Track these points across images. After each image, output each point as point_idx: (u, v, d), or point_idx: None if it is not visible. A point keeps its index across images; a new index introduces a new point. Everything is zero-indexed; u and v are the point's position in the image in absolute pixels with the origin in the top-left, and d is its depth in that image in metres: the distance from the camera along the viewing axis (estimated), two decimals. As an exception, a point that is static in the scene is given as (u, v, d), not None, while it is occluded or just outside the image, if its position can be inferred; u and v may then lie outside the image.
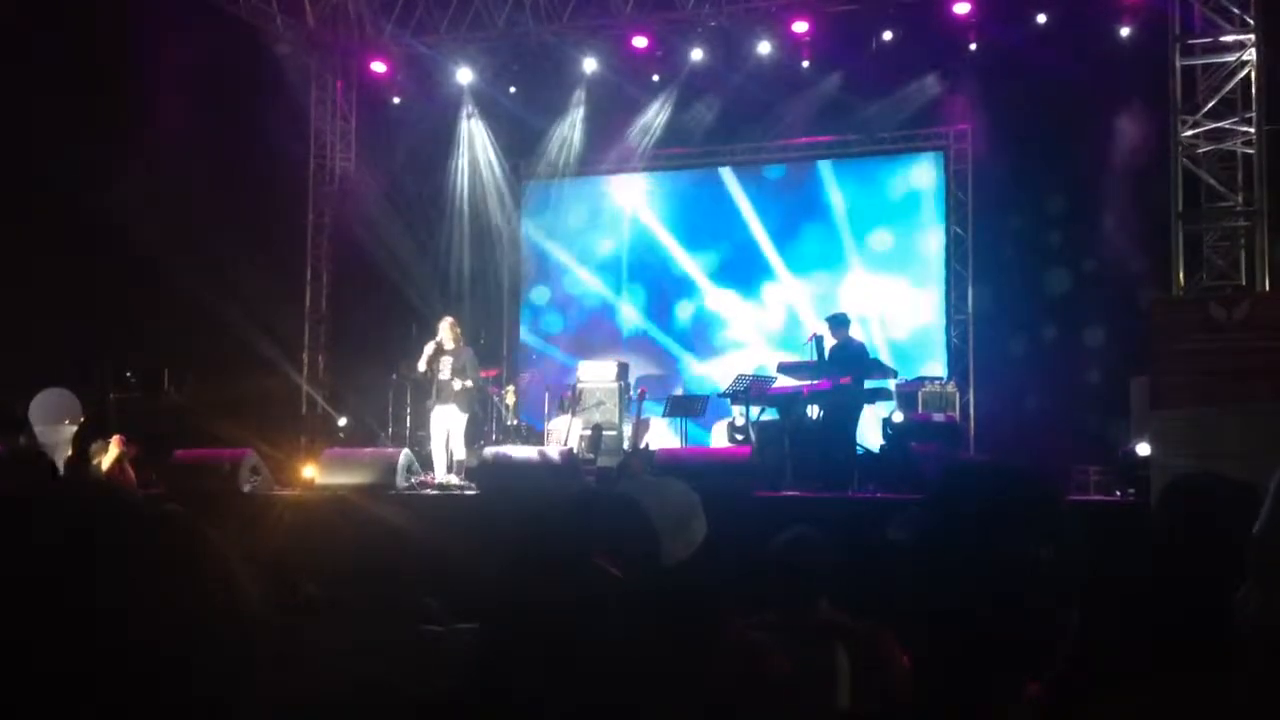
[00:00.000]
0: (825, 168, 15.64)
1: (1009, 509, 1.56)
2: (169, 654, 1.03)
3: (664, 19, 14.64)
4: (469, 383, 11.94)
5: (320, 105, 16.52)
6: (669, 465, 10.52)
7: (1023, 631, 1.53)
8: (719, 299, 15.90)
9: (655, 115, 15.62)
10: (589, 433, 13.05)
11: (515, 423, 13.41)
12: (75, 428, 13.02)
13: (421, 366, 11.99)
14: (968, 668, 1.55)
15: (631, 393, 13.86)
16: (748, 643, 2.68)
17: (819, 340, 11.67)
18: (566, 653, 1.66)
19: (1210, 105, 12.10)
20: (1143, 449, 9.97)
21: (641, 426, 13.54)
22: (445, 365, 11.93)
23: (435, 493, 11.32)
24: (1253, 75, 11.95)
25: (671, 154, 15.97)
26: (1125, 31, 13.36)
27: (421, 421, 12.58)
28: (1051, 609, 1.54)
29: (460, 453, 11.97)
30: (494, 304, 16.71)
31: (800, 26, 14.25)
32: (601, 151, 16.16)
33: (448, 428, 11.92)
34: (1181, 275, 12.07)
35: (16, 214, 13.26)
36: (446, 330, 12.03)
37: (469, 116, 16.31)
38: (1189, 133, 12.15)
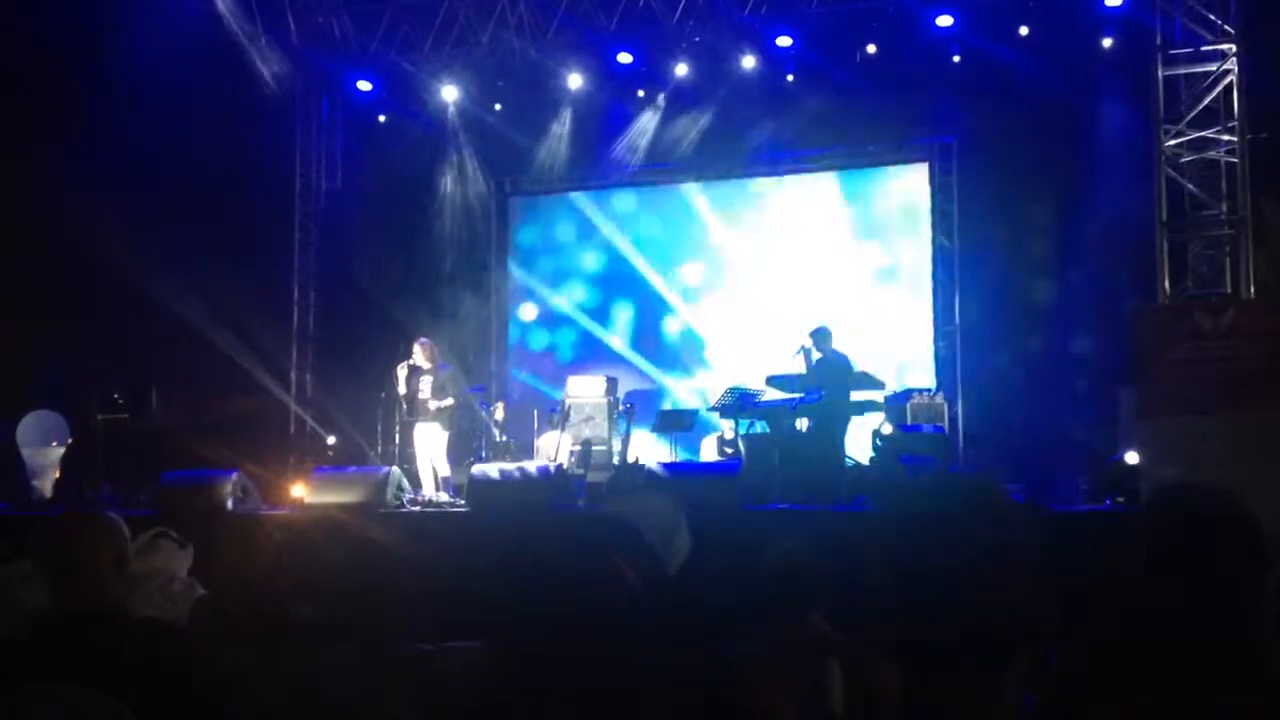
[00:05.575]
0: (811, 181, 15.65)
1: (953, 516, 1.58)
2: None
3: (648, 34, 14.68)
4: (449, 400, 11.98)
5: (306, 124, 16.52)
6: (658, 479, 10.50)
7: (1005, 637, 1.54)
8: (704, 315, 15.88)
9: (641, 130, 15.63)
10: (578, 448, 13.04)
11: (504, 439, 13.41)
12: (63, 450, 12.98)
13: (402, 389, 12.04)
14: (957, 678, 1.55)
15: (620, 408, 13.86)
16: (741, 658, 2.68)
17: (807, 352, 11.68)
18: (567, 670, 1.65)
19: (1193, 114, 12.18)
20: (1131, 458, 9.99)
21: (630, 441, 13.56)
22: (425, 384, 11.98)
23: (425, 510, 11.29)
24: (1234, 84, 12.03)
25: (657, 168, 15.96)
26: (1108, 42, 13.44)
27: (411, 439, 12.58)
28: (1031, 613, 1.55)
29: (444, 469, 11.96)
30: (481, 320, 16.68)
31: (784, 41, 14.30)
32: (587, 167, 16.18)
33: (430, 446, 11.93)
34: (1167, 284, 12.12)
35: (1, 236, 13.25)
36: (419, 352, 12.07)
37: (455, 134, 16.30)
38: (1172, 142, 12.22)
